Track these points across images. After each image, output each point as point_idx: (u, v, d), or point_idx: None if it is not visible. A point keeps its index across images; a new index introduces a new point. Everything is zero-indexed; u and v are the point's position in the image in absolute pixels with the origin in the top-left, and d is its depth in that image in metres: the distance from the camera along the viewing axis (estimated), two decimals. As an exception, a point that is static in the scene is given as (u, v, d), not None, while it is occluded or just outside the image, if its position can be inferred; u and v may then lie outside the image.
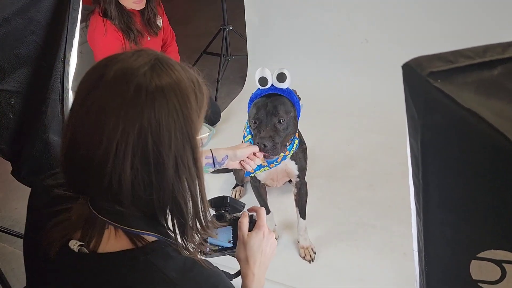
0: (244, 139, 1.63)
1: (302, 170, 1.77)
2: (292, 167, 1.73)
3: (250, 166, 1.36)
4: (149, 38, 2.36)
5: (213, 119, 2.65)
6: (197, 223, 0.75)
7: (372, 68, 2.78)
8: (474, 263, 0.59)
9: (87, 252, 0.70)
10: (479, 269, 0.59)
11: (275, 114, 1.46)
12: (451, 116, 0.54)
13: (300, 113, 1.57)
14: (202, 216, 0.75)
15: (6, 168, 1.45)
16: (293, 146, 1.63)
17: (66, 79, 1.19)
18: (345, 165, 2.36)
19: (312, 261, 1.83)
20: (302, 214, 1.85)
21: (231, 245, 1.02)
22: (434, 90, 0.55)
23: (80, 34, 2.83)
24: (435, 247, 0.62)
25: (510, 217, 0.54)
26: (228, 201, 1.06)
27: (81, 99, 0.66)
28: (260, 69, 1.48)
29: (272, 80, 1.48)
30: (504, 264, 0.56)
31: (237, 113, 2.84)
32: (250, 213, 1.03)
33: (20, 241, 1.92)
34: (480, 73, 0.58)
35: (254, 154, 1.38)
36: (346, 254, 1.85)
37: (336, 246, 1.89)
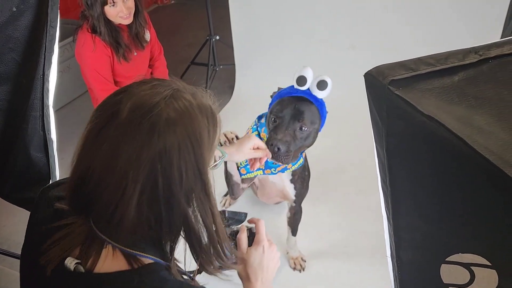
0: None
1: (300, 196, 1.67)
2: (290, 191, 1.63)
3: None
4: (135, 53, 2.37)
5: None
6: (214, 253, 0.76)
7: (359, 73, 2.78)
8: (444, 267, 0.60)
9: (83, 271, 0.69)
10: (449, 273, 0.60)
11: (299, 119, 1.32)
12: (413, 123, 0.55)
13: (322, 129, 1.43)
14: (219, 246, 0.76)
15: (-9, 186, 1.44)
16: (297, 162, 1.51)
17: (46, 96, 1.19)
18: (335, 170, 2.37)
19: (303, 270, 1.82)
20: (294, 233, 1.81)
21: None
22: (396, 97, 0.56)
23: (67, 49, 2.85)
24: (406, 252, 0.63)
25: (475, 220, 0.55)
26: (226, 215, 1.01)
27: (94, 134, 0.66)
28: (303, 67, 1.31)
29: (310, 84, 1.33)
30: (472, 267, 0.57)
31: (226, 123, 2.80)
32: (249, 226, 1.00)
33: (9, 259, 1.91)
34: (441, 80, 0.59)
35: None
36: (336, 261, 1.85)
37: (326, 253, 1.89)
